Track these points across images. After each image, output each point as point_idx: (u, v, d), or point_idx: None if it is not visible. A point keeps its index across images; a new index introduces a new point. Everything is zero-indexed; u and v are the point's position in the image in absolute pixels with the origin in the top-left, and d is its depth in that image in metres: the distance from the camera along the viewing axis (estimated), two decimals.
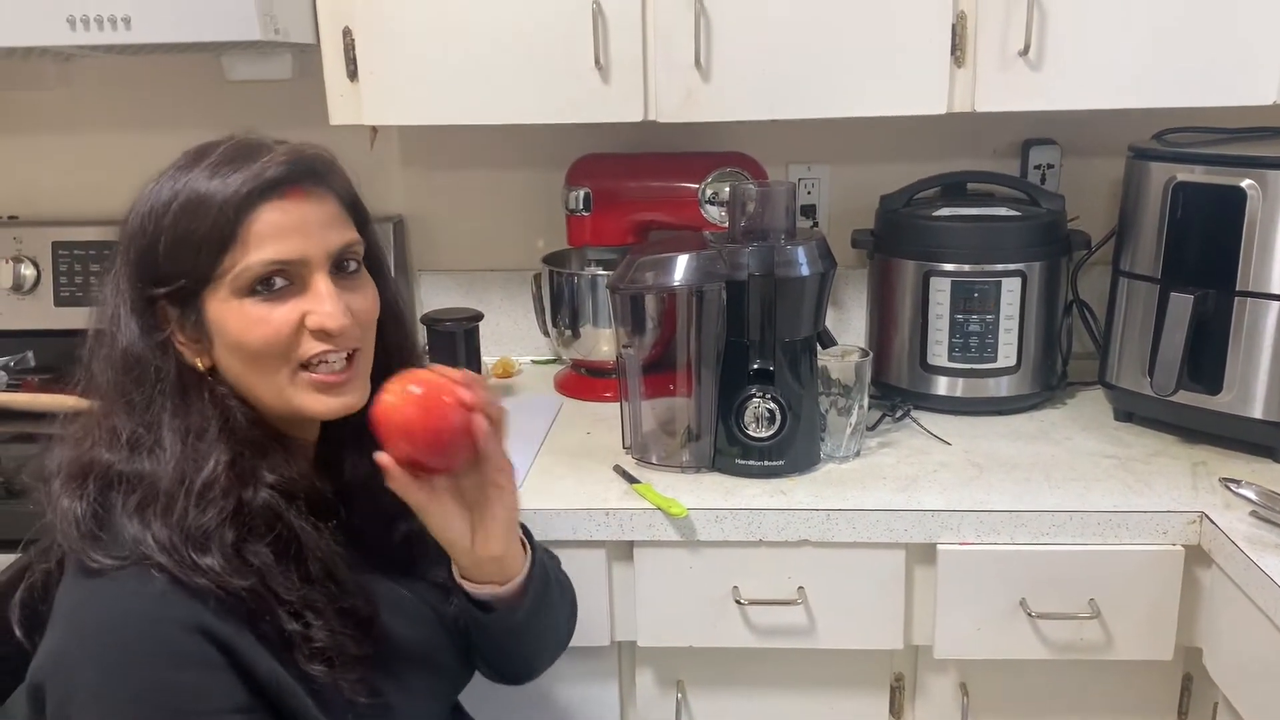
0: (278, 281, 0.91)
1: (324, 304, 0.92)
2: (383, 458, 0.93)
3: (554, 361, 2.01)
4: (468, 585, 1.03)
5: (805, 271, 1.41)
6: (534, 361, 2.02)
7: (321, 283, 0.93)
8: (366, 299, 0.98)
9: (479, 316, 1.69)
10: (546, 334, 1.90)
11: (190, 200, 0.89)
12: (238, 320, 0.91)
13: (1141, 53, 1.47)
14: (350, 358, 0.96)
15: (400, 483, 0.94)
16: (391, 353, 1.03)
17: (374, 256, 1.02)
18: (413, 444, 0.93)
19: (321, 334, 0.93)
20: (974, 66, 1.50)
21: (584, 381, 1.84)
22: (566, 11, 1.50)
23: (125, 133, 1.95)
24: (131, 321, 0.91)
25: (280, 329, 0.92)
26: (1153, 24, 1.45)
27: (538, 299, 1.87)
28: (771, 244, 1.41)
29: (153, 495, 0.88)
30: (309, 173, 0.94)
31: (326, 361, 0.94)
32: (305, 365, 0.94)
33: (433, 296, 2.00)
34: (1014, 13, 1.47)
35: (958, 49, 1.50)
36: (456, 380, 0.95)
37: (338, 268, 0.95)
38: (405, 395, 0.93)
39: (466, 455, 0.96)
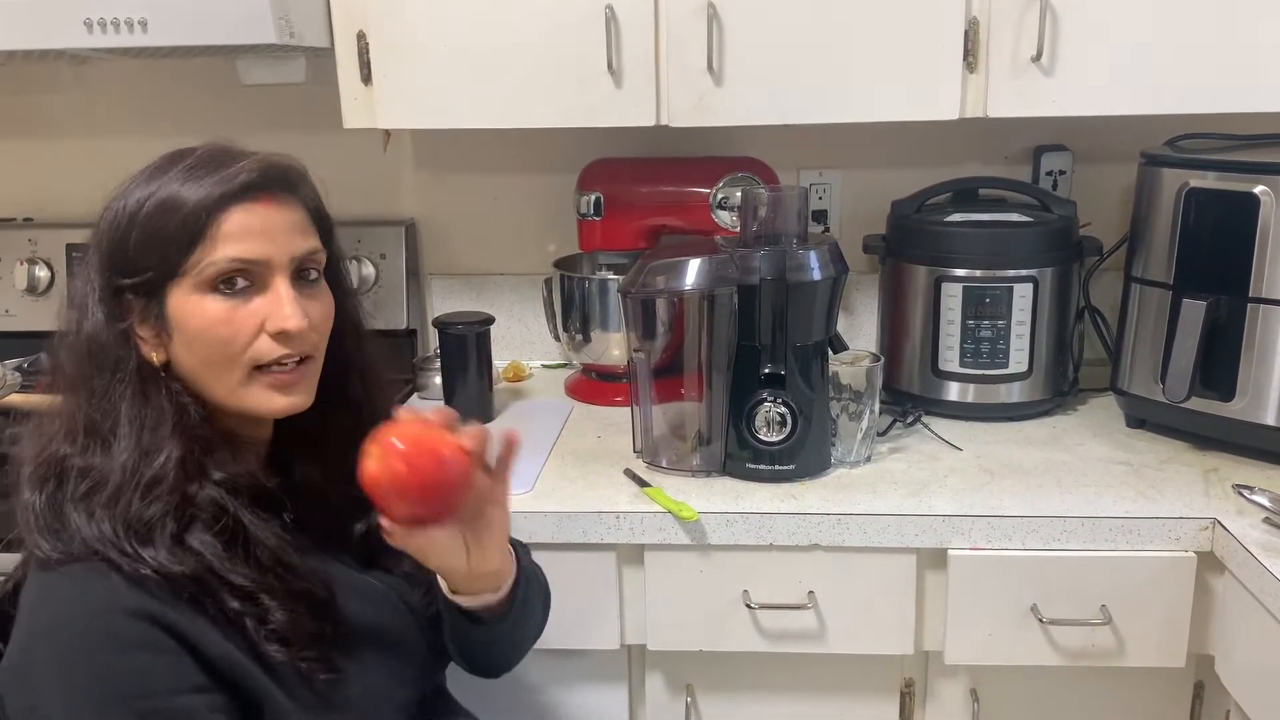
0: (239, 281, 0.94)
1: (283, 306, 0.95)
2: (384, 523, 0.94)
3: (564, 366, 2.01)
4: (461, 600, 1.04)
5: (817, 276, 1.41)
6: (545, 366, 2.02)
7: (282, 286, 0.96)
8: (324, 307, 1.01)
9: (490, 320, 1.69)
10: (557, 338, 1.90)
11: (165, 199, 0.92)
12: (198, 315, 0.93)
13: (1153, 59, 1.47)
14: (302, 361, 0.99)
15: (401, 539, 0.95)
16: (342, 365, 1.06)
17: (335, 269, 1.06)
18: (409, 503, 0.92)
19: (281, 336, 0.95)
20: (986, 72, 1.50)
21: (594, 385, 1.85)
22: (579, 16, 1.51)
23: (140, 136, 1.95)
24: (98, 310, 0.94)
25: (240, 328, 0.94)
26: (1164, 30, 1.45)
27: (548, 303, 1.88)
28: (784, 248, 1.41)
29: (101, 487, 0.91)
30: (280, 181, 0.98)
31: (281, 364, 0.97)
32: (259, 366, 0.96)
33: (444, 300, 2.01)
34: (1026, 19, 1.47)
35: (970, 54, 1.50)
36: (435, 424, 0.94)
37: (299, 275, 0.98)
38: (389, 455, 0.90)
39: (465, 497, 0.95)
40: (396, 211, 1.97)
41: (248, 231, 0.93)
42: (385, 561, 1.07)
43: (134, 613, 0.86)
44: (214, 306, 0.93)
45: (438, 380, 1.82)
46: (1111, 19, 1.46)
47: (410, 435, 0.91)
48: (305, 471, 1.05)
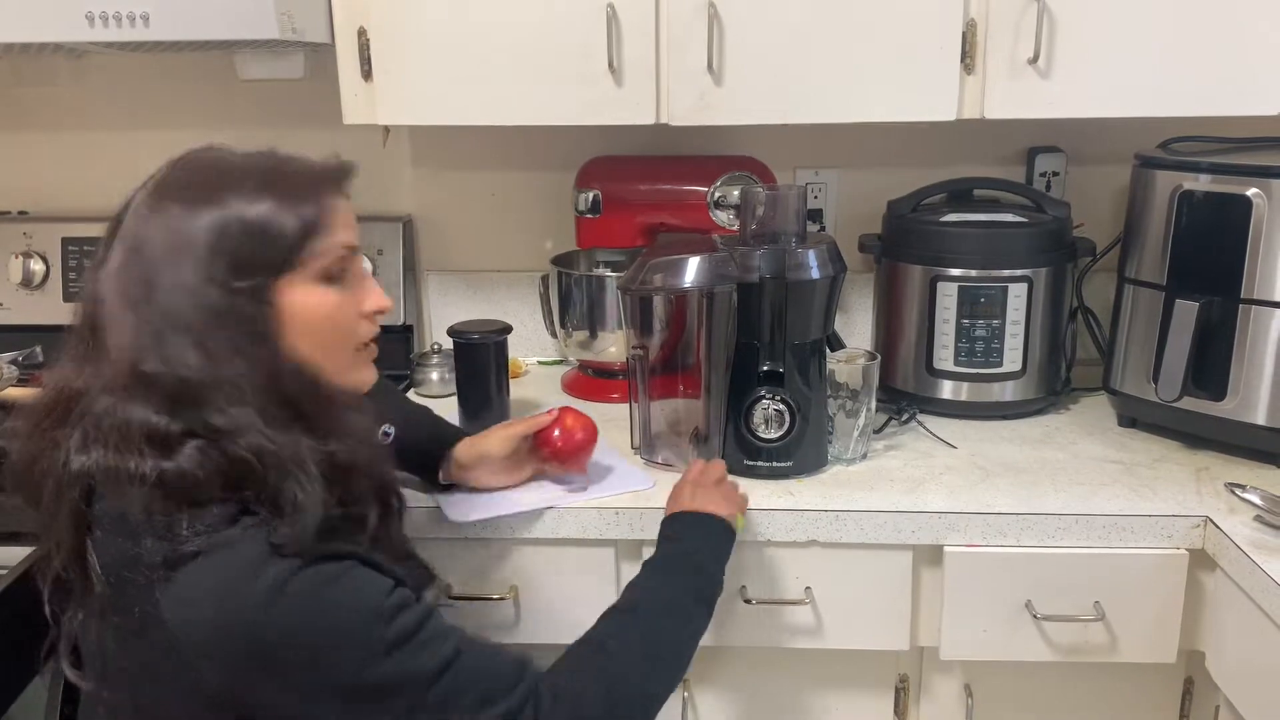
0: (345, 270, 1.01)
1: (377, 288, 1.06)
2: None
3: (560, 362, 2.02)
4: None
5: (816, 275, 1.42)
6: (540, 362, 2.03)
7: (366, 271, 1.06)
8: None
9: (507, 329, 1.67)
10: (554, 335, 1.91)
11: (277, 197, 0.96)
12: (321, 304, 0.99)
13: (1149, 63, 1.48)
14: (375, 338, 1.09)
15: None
16: None
17: None
18: (578, 460, 1.43)
19: (378, 315, 1.06)
20: (983, 74, 1.52)
21: (591, 382, 1.85)
22: (581, 15, 1.51)
23: (136, 130, 1.96)
24: (229, 317, 0.94)
25: (351, 311, 1.03)
26: (1160, 35, 1.47)
27: (545, 300, 1.89)
28: (783, 247, 1.42)
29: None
30: (350, 173, 1.06)
31: (375, 340, 1.08)
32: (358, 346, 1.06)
33: (440, 296, 2.01)
34: (1024, 21, 1.48)
35: (968, 56, 1.51)
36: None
37: None
38: (588, 430, 1.42)
39: None
40: (394, 207, 1.97)
41: (348, 221, 1.02)
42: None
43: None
44: (331, 294, 1.00)
45: (435, 376, 1.84)
46: (1108, 23, 1.47)
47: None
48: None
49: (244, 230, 0.94)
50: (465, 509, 1.37)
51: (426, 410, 1.53)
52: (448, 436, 1.43)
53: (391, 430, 1.33)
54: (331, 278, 0.99)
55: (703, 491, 1.28)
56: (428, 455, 1.41)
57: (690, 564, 1.21)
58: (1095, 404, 1.74)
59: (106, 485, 0.92)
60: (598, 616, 1.15)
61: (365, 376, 1.08)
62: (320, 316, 0.99)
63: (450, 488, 1.42)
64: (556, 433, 1.40)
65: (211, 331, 0.93)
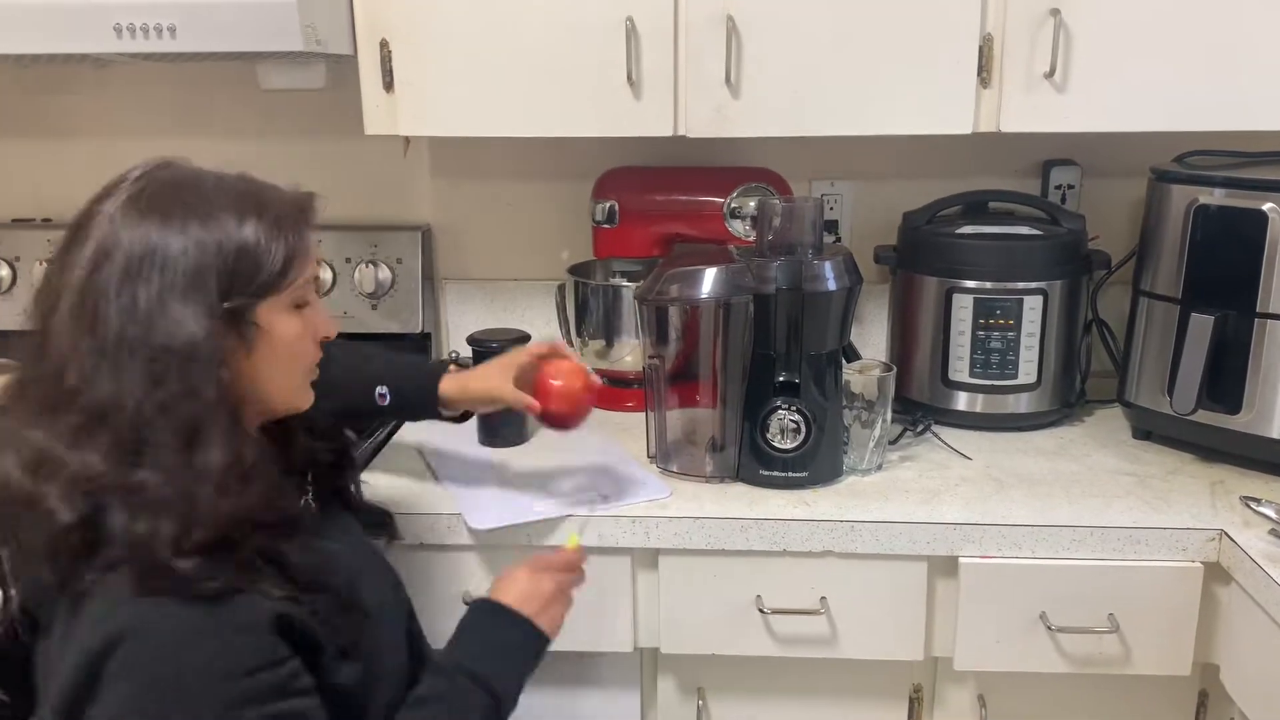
0: (307, 298, 1.03)
1: (327, 315, 1.07)
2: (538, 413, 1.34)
3: None
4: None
5: (832, 286, 1.43)
6: None
7: (319, 297, 1.06)
8: None
9: (525, 338, 1.68)
10: (571, 344, 1.92)
11: (268, 222, 0.97)
12: (290, 328, 1.01)
13: (1164, 77, 1.49)
14: None
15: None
16: None
17: None
18: (577, 414, 1.37)
19: (324, 341, 1.07)
20: (1000, 87, 1.53)
21: (607, 391, 1.83)
22: (600, 28, 1.53)
23: (159, 139, 1.98)
24: (199, 330, 0.92)
25: (315, 336, 1.05)
26: (1175, 49, 1.48)
27: (562, 309, 1.90)
28: (799, 259, 1.43)
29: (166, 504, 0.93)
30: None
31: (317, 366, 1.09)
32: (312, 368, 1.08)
33: (457, 305, 2.03)
34: (1040, 35, 1.49)
35: (984, 70, 1.52)
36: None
37: None
38: (588, 384, 1.37)
39: None
40: (412, 217, 1.99)
41: (315, 251, 1.04)
42: (360, 513, 1.24)
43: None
44: (297, 320, 1.01)
45: None
46: (1123, 37, 1.48)
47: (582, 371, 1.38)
48: (312, 448, 1.16)
49: (234, 251, 0.94)
50: (485, 517, 1.38)
51: (405, 357, 1.52)
52: (430, 379, 1.40)
53: (386, 390, 1.38)
54: (299, 305, 1.01)
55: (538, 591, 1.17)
56: (420, 405, 1.41)
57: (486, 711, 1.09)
58: (1109, 416, 1.75)
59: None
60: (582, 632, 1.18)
61: (309, 398, 1.08)
62: (287, 342, 1.00)
63: (462, 416, 1.44)
64: (556, 382, 1.35)
65: (169, 354, 0.91)
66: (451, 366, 1.43)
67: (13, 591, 0.93)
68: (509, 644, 1.13)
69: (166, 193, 0.96)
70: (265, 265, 0.96)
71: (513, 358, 1.39)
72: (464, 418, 1.45)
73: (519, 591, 1.15)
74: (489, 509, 1.41)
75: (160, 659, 0.86)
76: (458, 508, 1.41)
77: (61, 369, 0.92)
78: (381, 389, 1.37)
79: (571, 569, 1.23)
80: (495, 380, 1.37)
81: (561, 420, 1.36)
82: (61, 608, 0.90)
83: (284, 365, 1.02)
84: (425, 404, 1.40)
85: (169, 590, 0.87)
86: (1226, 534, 1.33)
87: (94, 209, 0.96)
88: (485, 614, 1.14)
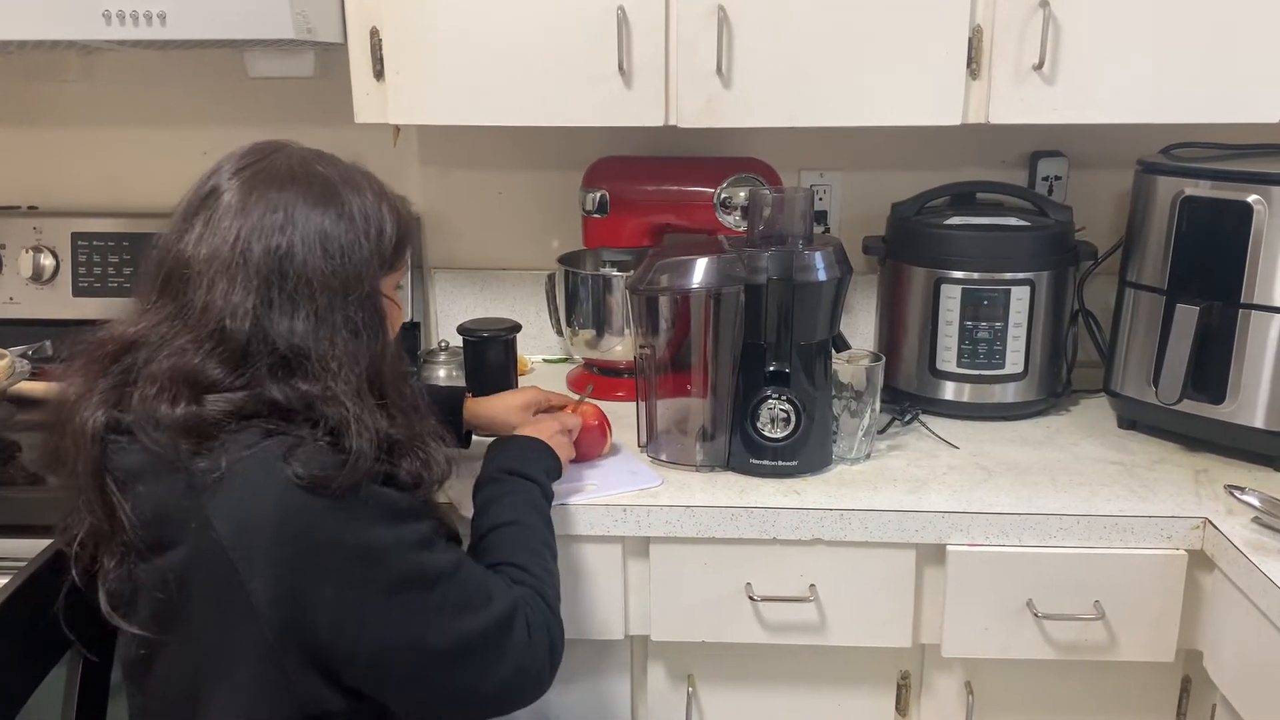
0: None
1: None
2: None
3: (565, 360, 2.03)
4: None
5: (823, 277, 1.44)
6: (546, 360, 2.05)
7: None
8: None
9: (516, 327, 1.70)
10: (560, 333, 1.92)
11: (395, 202, 1.11)
12: (396, 308, 1.14)
13: (1151, 70, 1.50)
14: None
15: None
16: None
17: None
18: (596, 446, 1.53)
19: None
20: (989, 79, 1.54)
21: (596, 381, 1.87)
22: (591, 17, 1.53)
23: (146, 127, 1.97)
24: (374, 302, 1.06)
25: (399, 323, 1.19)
26: (1163, 42, 1.49)
27: (552, 298, 1.90)
28: (790, 249, 1.44)
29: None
30: None
31: None
32: None
33: (447, 294, 2.03)
34: (1029, 28, 1.50)
35: (974, 62, 1.53)
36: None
37: None
38: (602, 424, 1.52)
39: None
40: None
41: None
42: None
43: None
44: (397, 301, 1.14)
45: (442, 374, 1.86)
46: (1112, 30, 1.49)
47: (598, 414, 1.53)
48: None
49: (372, 225, 1.06)
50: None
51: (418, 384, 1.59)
52: (454, 404, 1.50)
53: None
54: (399, 285, 1.14)
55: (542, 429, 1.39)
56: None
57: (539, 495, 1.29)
58: (1095, 406, 1.77)
59: (136, 431, 0.97)
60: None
61: None
62: (395, 321, 1.12)
63: (466, 437, 1.52)
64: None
65: (337, 307, 1.01)
66: (468, 393, 1.52)
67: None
68: (532, 450, 1.33)
69: (292, 169, 1.05)
70: (391, 238, 1.08)
71: (534, 396, 1.50)
72: (467, 439, 1.51)
73: (533, 428, 1.39)
74: None
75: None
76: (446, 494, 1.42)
77: (217, 315, 0.99)
78: None
79: (569, 421, 1.46)
80: (515, 417, 1.47)
81: (580, 458, 1.50)
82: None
83: (392, 344, 1.10)
84: (448, 424, 1.44)
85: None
86: (1210, 522, 1.35)
87: (214, 183, 1.05)
88: (502, 441, 1.35)
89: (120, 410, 0.99)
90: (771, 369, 1.47)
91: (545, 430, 1.38)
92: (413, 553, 1.02)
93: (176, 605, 0.98)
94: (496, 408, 1.50)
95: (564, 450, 1.39)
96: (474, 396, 1.53)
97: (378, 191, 1.09)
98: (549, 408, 1.50)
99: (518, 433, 1.39)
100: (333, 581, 0.97)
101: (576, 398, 1.56)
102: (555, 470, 1.35)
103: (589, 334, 1.84)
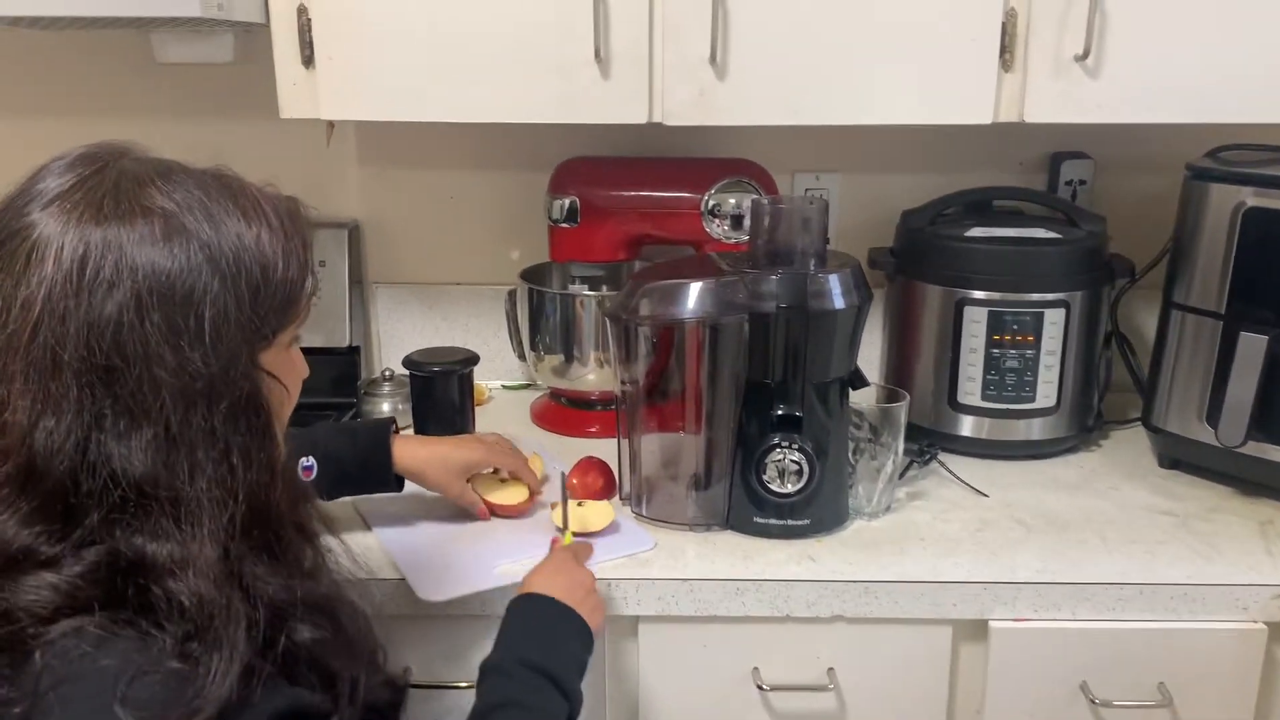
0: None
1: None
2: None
3: (527, 386, 1.80)
4: None
5: (840, 304, 1.22)
6: (505, 386, 1.81)
7: None
8: None
9: (473, 359, 1.47)
10: (522, 357, 1.69)
11: (285, 242, 0.79)
12: (299, 360, 0.87)
13: (1208, 63, 1.30)
14: None
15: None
16: None
17: None
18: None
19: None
20: (1024, 72, 1.32)
21: (565, 414, 1.64)
22: None
23: (36, 118, 1.69)
24: (242, 361, 0.76)
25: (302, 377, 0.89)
26: (1226, 30, 1.29)
27: (512, 318, 1.67)
28: (802, 271, 1.22)
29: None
30: None
31: None
32: None
33: (390, 314, 1.78)
34: (1072, 12, 1.29)
35: (1007, 51, 1.32)
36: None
37: None
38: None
39: None
40: (337, 212, 1.73)
41: None
42: None
43: None
44: (297, 355, 0.86)
45: (386, 407, 1.62)
46: (1168, 15, 1.29)
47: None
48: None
49: (246, 271, 0.75)
50: (437, 586, 1.15)
51: (333, 424, 1.34)
52: (379, 441, 1.24)
53: (312, 463, 1.16)
54: (297, 336, 0.83)
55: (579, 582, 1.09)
56: (368, 471, 1.23)
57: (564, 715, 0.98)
58: (1128, 440, 1.57)
59: None
60: None
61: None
62: (292, 387, 0.83)
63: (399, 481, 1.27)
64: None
65: (195, 418, 0.71)
66: (395, 428, 1.26)
67: None
68: (560, 628, 1.02)
69: (139, 190, 0.74)
70: (280, 284, 0.77)
71: (479, 456, 1.28)
72: (399, 483, 1.27)
73: (566, 581, 1.06)
74: (440, 572, 1.18)
75: None
76: (400, 572, 1.18)
77: (19, 439, 0.69)
78: (306, 460, 1.12)
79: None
80: (445, 477, 1.25)
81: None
82: None
83: (285, 416, 0.84)
84: (376, 469, 1.21)
85: None
86: None
87: (19, 209, 0.73)
88: (534, 607, 1.03)
89: None
90: (780, 412, 1.24)
91: (579, 582, 1.07)
92: None
93: None
94: (429, 460, 1.25)
95: (598, 613, 1.08)
96: (405, 434, 1.27)
97: (252, 208, 0.78)
98: (493, 472, 1.28)
99: (549, 589, 1.05)
100: None
101: (531, 456, 1.36)
102: (588, 646, 1.04)
103: (555, 360, 1.61)
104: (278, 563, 0.77)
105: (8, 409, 0.70)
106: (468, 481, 1.28)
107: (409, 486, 1.28)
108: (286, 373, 0.81)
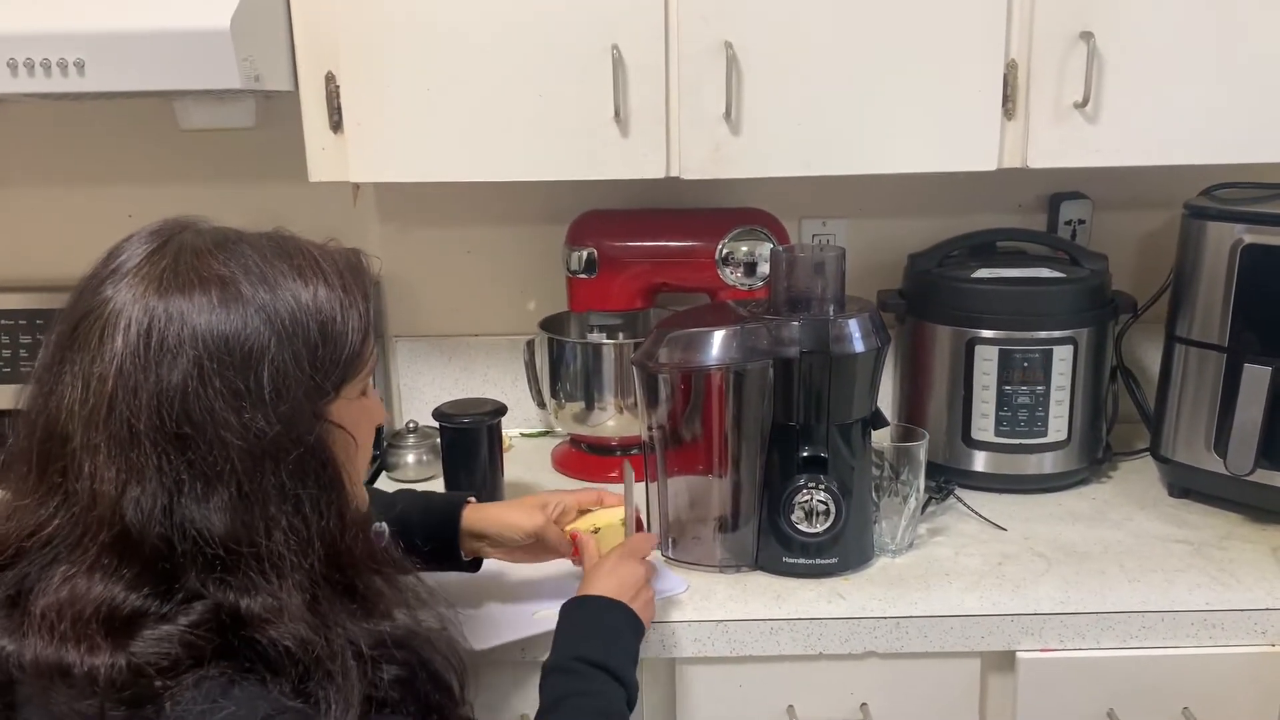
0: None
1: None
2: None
3: (546, 434, 1.83)
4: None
5: (860, 348, 1.27)
6: (523, 434, 1.84)
7: None
8: None
9: (501, 410, 1.49)
10: (542, 405, 1.72)
11: (344, 295, 0.82)
12: (374, 408, 0.90)
13: (1204, 107, 1.36)
14: None
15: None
16: None
17: None
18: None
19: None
20: (1026, 119, 1.38)
21: (586, 460, 1.67)
22: (582, 57, 1.34)
23: (59, 187, 1.72)
24: (309, 419, 0.79)
25: (375, 424, 0.92)
26: (1222, 76, 1.34)
27: (531, 367, 1.70)
28: (824, 317, 1.26)
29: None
30: None
31: None
32: None
33: (410, 366, 1.81)
34: (1070, 61, 1.35)
35: (1009, 100, 1.37)
36: None
37: None
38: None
39: None
40: None
41: None
42: None
43: None
44: (369, 404, 0.88)
45: (411, 459, 1.64)
46: (1163, 63, 1.35)
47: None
48: None
49: (304, 330, 0.78)
50: (477, 634, 1.17)
51: (409, 491, 1.32)
52: (450, 511, 1.22)
53: (384, 528, 1.13)
54: (365, 388, 0.86)
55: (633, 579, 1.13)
56: (437, 541, 1.20)
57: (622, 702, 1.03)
58: (1137, 471, 1.61)
59: (34, 685, 0.70)
60: None
61: (364, 495, 0.91)
62: (362, 436, 0.86)
63: (475, 563, 1.24)
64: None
65: (266, 475, 0.74)
66: (469, 499, 1.24)
67: None
68: (613, 623, 1.08)
69: (200, 263, 0.77)
70: (341, 345, 0.80)
71: (549, 497, 1.25)
72: (475, 565, 1.25)
73: (617, 582, 1.11)
74: (478, 620, 1.20)
75: None
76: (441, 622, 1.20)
77: (109, 507, 0.72)
78: (379, 525, 1.11)
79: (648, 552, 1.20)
80: (530, 517, 1.21)
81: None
82: None
83: (360, 464, 0.87)
84: (445, 538, 1.19)
85: None
86: None
87: (98, 284, 0.78)
88: (576, 607, 1.09)
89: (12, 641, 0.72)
90: (806, 454, 1.28)
91: (629, 580, 1.11)
92: None
93: None
94: (506, 507, 1.25)
95: (649, 608, 1.13)
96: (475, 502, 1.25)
97: (309, 266, 0.81)
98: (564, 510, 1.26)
99: (603, 589, 1.10)
100: None
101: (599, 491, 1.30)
102: (639, 634, 1.09)
103: (576, 407, 1.64)
104: (362, 603, 0.80)
105: (97, 479, 0.72)
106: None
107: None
108: (355, 423, 0.84)
